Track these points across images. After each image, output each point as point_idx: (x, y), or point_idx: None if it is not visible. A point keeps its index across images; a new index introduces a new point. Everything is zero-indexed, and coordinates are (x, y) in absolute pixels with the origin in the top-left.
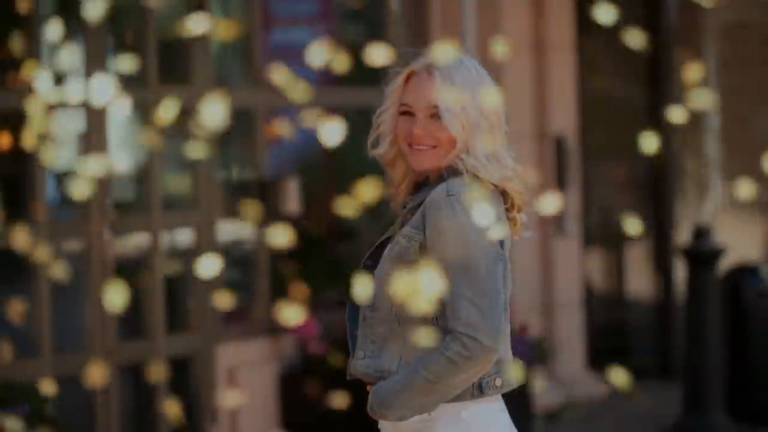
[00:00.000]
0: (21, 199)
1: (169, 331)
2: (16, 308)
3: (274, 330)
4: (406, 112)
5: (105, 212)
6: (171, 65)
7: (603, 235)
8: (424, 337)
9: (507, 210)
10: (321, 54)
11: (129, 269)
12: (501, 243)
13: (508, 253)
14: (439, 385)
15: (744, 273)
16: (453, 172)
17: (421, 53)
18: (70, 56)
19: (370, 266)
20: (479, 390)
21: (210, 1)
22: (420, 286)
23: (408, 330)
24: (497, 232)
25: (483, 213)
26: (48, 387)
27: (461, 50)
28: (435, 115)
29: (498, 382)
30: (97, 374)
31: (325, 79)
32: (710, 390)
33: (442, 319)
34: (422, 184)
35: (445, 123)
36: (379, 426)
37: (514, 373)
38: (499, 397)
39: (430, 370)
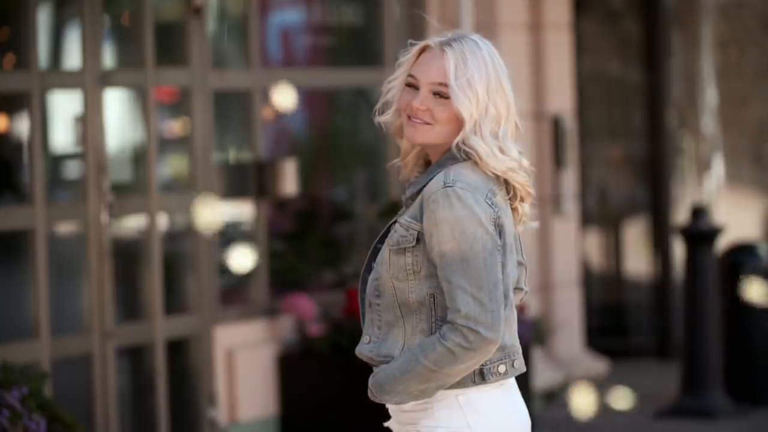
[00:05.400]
0: (18, 181)
1: (167, 312)
2: None
3: (272, 311)
4: (412, 85)
5: (103, 194)
6: (168, 46)
7: (601, 214)
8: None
9: (509, 200)
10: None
11: (127, 251)
12: (500, 231)
13: (514, 242)
14: (438, 374)
15: (742, 252)
16: (452, 157)
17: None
18: None
19: (381, 249)
20: (481, 377)
21: None
22: None
23: (410, 317)
24: (497, 221)
25: (480, 203)
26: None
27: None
28: (438, 93)
29: (501, 368)
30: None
31: (319, 59)
32: (708, 370)
33: (440, 308)
34: (430, 163)
35: (453, 100)
36: (387, 406)
37: (520, 358)
38: (508, 381)
39: (429, 359)
